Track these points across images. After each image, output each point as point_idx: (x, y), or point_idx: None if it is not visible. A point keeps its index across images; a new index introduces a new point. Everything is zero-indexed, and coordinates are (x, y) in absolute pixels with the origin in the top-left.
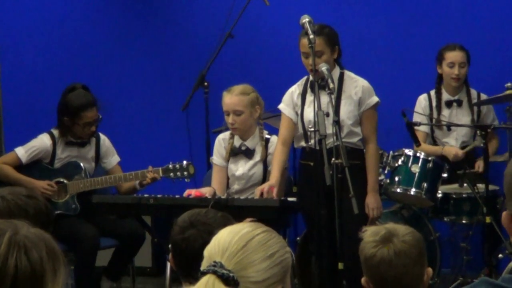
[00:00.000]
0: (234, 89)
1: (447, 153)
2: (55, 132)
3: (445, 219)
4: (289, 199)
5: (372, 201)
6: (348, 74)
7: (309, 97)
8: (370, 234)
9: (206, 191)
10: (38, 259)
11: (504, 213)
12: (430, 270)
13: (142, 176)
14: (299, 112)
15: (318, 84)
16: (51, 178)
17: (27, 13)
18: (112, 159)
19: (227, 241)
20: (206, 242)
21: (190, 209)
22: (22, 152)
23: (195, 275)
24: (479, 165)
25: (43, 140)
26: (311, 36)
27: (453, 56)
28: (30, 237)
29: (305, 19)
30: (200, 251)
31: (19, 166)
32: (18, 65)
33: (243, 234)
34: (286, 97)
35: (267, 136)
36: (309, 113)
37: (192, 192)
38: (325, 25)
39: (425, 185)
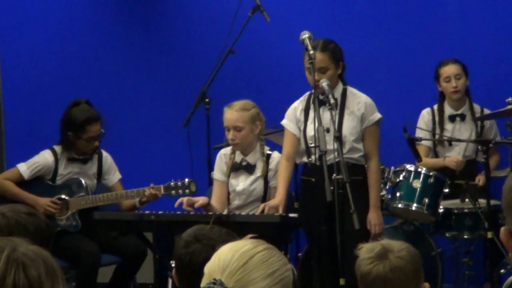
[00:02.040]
0: (234, 104)
1: (448, 164)
2: (57, 148)
3: (447, 234)
4: (290, 215)
5: (374, 217)
6: (351, 90)
7: (312, 113)
8: (365, 251)
9: (199, 199)
10: (37, 276)
11: (502, 229)
12: (426, 285)
13: (144, 193)
14: (302, 128)
15: (320, 100)
16: (52, 194)
17: (29, 29)
18: (114, 176)
19: (227, 258)
20: (209, 257)
21: (191, 225)
22: (24, 168)
23: None
24: (480, 179)
25: (45, 157)
26: (311, 52)
27: (447, 70)
28: (29, 254)
29: (305, 35)
30: (202, 266)
31: (21, 182)
32: (20, 81)
33: (244, 252)
34: (289, 112)
35: (268, 152)
36: (311, 129)
37: (184, 200)
38: (330, 41)
39: (426, 200)
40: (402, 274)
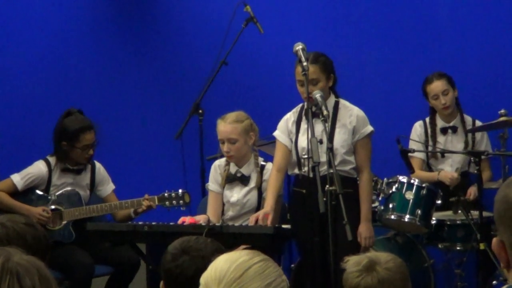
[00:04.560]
0: (228, 116)
1: (443, 178)
2: (51, 159)
3: (439, 245)
4: (284, 226)
5: (364, 230)
6: (343, 103)
7: (304, 125)
8: (352, 264)
9: (200, 218)
10: (31, 286)
11: (494, 240)
12: None
13: (138, 204)
14: (293, 139)
15: (312, 112)
16: (46, 205)
17: (21, 39)
18: (108, 187)
19: (224, 269)
20: (199, 268)
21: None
22: (18, 179)
23: None
24: (471, 192)
25: (39, 167)
26: (304, 64)
27: (433, 87)
28: (23, 264)
29: (298, 46)
30: (193, 278)
31: (15, 193)
32: (12, 92)
33: (240, 263)
34: (281, 124)
35: (262, 163)
36: (303, 141)
37: (186, 219)
38: (320, 53)
39: (419, 212)
40: (390, 285)
